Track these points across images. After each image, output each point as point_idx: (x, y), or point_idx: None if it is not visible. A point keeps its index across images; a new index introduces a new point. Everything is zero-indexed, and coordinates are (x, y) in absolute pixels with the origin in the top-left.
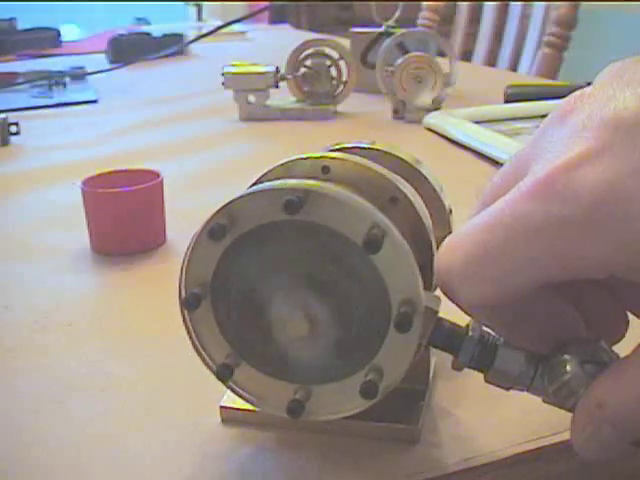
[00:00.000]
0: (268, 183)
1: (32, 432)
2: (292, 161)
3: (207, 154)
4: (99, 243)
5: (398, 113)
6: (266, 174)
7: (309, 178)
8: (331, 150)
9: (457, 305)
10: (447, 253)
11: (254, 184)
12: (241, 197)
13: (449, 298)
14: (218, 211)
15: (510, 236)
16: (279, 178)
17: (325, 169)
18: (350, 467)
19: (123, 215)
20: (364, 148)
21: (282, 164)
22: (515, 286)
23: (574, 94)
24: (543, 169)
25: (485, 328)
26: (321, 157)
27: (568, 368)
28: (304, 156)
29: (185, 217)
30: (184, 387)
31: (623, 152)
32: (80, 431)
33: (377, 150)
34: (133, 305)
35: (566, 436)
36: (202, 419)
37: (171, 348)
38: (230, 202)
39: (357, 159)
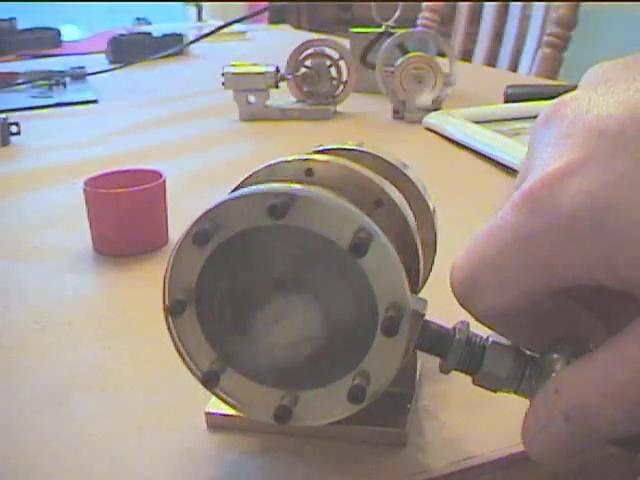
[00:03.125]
0: (253, 187)
1: (32, 432)
2: (276, 164)
3: (207, 154)
4: (101, 243)
5: (398, 113)
6: (250, 176)
7: (293, 181)
8: (316, 152)
9: (472, 316)
10: (455, 266)
11: (238, 186)
12: (225, 202)
13: (465, 309)
14: (202, 216)
15: (502, 247)
16: (263, 181)
17: (309, 172)
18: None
19: (125, 215)
20: (349, 150)
21: (266, 166)
22: (515, 295)
23: (560, 98)
24: (529, 181)
25: (472, 330)
26: (305, 160)
27: (556, 367)
28: (288, 158)
29: (187, 218)
30: (184, 387)
31: (606, 161)
32: (80, 431)
33: (360, 152)
34: (134, 306)
35: None
36: (202, 420)
37: (172, 349)
38: (214, 207)
39: (341, 161)
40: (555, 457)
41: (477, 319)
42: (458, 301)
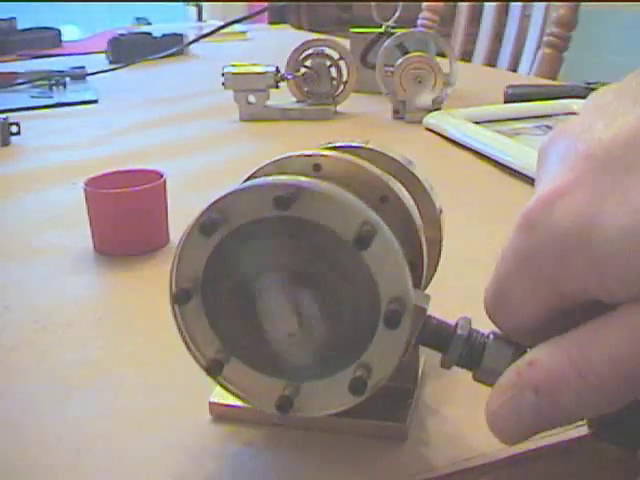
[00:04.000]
0: (259, 179)
1: (32, 432)
2: (284, 158)
3: (207, 154)
4: (102, 243)
5: (398, 113)
6: (258, 171)
7: (300, 175)
8: (324, 148)
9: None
10: (485, 290)
11: (246, 180)
12: (232, 193)
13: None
14: (209, 206)
15: (510, 268)
16: (271, 175)
17: (316, 167)
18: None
19: (126, 215)
20: (356, 147)
21: (274, 161)
22: (532, 312)
23: (560, 124)
24: (527, 204)
25: (474, 327)
26: (313, 155)
27: None
28: (296, 154)
29: (187, 218)
30: (184, 387)
31: (591, 182)
32: (80, 431)
33: (369, 150)
34: (134, 306)
35: (566, 436)
36: (202, 418)
37: (172, 348)
38: (221, 197)
39: (349, 158)
40: (515, 433)
41: (510, 337)
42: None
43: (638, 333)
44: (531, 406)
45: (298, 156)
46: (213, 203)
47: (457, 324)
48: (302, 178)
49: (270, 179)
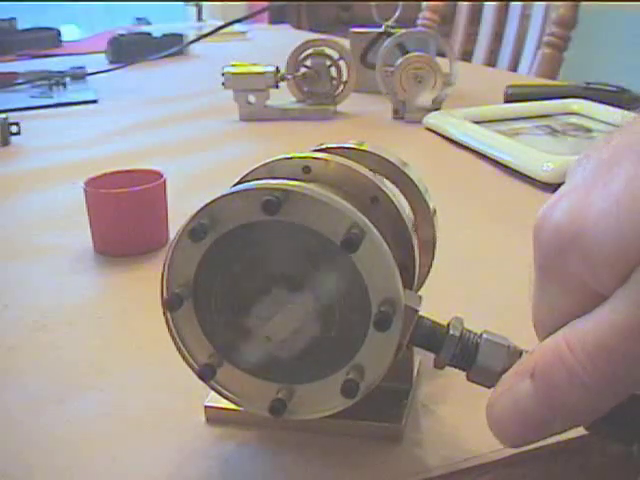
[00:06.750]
0: (248, 183)
1: (32, 432)
2: (274, 161)
3: (207, 154)
4: (101, 243)
5: (398, 113)
6: (249, 174)
7: (291, 178)
8: (316, 150)
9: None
10: None
11: (237, 184)
12: (221, 197)
13: None
14: (198, 211)
15: (535, 273)
16: (261, 178)
17: (306, 169)
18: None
19: (126, 216)
20: (349, 148)
21: (264, 164)
22: (565, 316)
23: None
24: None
25: (467, 326)
26: (304, 157)
27: None
28: (287, 156)
29: (187, 217)
30: (183, 387)
31: (581, 187)
32: (80, 431)
33: (362, 151)
34: (134, 305)
35: (565, 436)
36: (199, 419)
37: (171, 348)
38: (210, 202)
39: (339, 159)
40: (513, 428)
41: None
42: None
43: (620, 314)
44: (528, 392)
45: (288, 158)
46: (202, 208)
47: (449, 324)
48: (290, 182)
49: (258, 183)
